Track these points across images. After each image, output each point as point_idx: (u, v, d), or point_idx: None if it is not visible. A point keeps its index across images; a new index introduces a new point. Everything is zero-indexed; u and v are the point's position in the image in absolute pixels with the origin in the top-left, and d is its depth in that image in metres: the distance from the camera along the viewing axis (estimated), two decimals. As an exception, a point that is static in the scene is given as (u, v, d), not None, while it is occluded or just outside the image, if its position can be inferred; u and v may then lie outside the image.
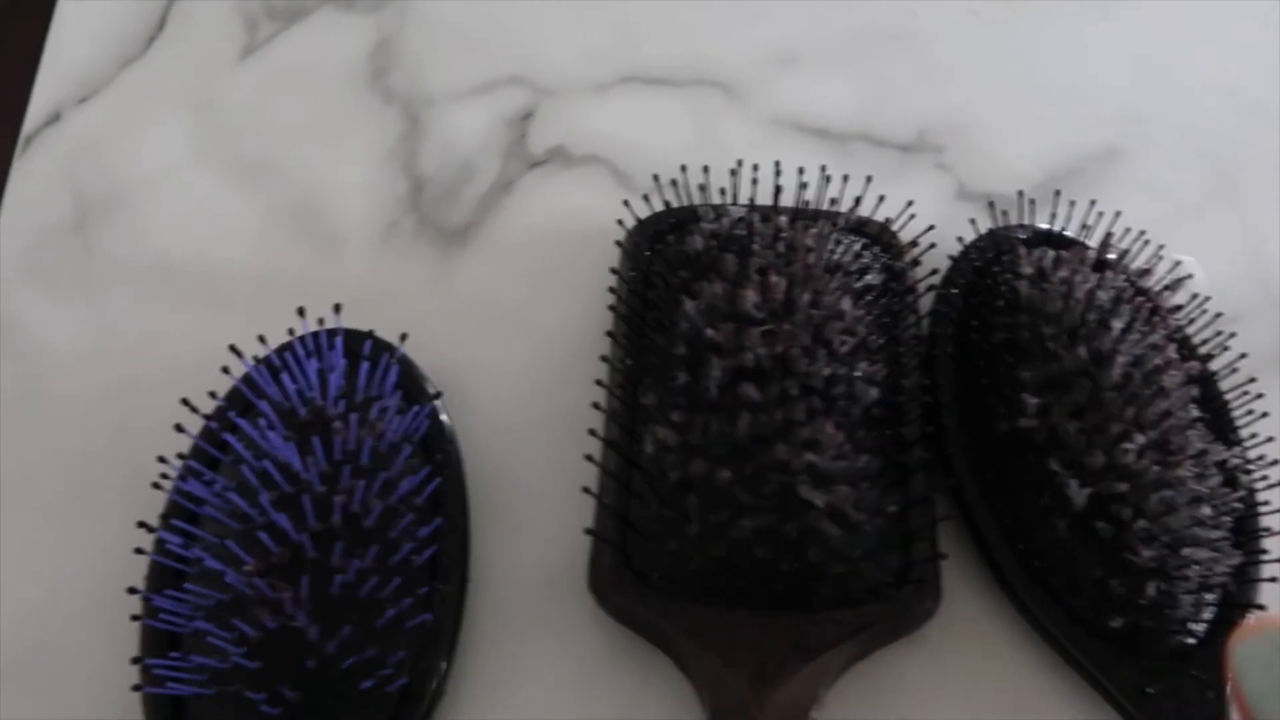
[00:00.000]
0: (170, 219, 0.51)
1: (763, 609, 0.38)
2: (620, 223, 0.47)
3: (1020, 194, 0.47)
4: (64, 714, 0.40)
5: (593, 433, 0.40)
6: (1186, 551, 0.38)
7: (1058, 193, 0.47)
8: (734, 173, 0.45)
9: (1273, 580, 0.40)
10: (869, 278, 0.44)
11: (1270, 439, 0.42)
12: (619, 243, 0.47)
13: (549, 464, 0.43)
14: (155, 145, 0.53)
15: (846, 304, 0.41)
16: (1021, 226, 0.46)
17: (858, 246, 0.45)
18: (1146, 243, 0.44)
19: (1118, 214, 0.45)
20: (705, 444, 0.39)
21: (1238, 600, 0.39)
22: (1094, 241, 0.45)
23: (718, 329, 0.40)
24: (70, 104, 0.55)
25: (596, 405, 0.41)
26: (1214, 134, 0.54)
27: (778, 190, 0.44)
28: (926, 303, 0.46)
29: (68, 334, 0.48)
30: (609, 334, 0.44)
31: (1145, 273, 0.43)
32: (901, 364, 0.43)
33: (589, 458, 0.40)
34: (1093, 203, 0.45)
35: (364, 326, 0.44)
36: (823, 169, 0.45)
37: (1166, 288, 0.43)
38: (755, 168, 0.45)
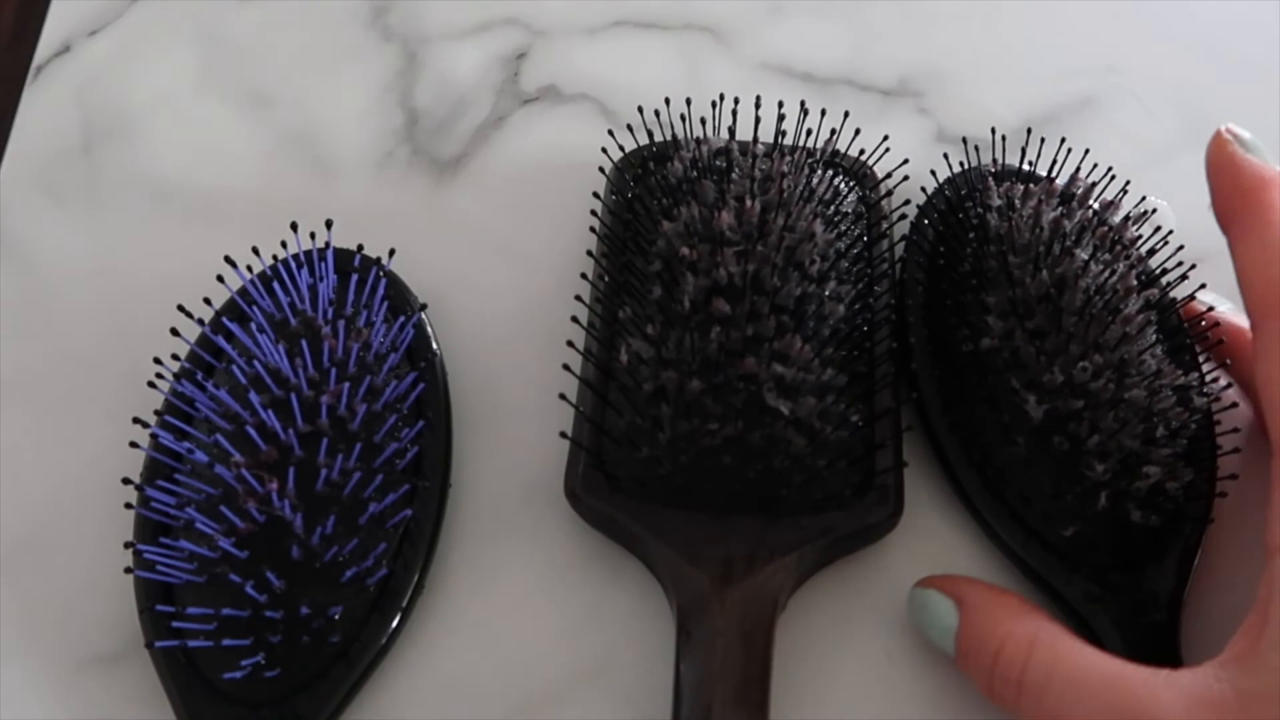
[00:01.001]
0: (173, 144, 0.53)
1: (728, 512, 0.40)
2: (605, 151, 0.48)
3: (993, 130, 0.48)
4: (62, 596, 0.42)
5: (571, 344, 0.42)
6: (1139, 468, 0.40)
7: (1029, 131, 0.48)
8: (715, 105, 0.46)
9: (1222, 495, 0.41)
10: (843, 207, 0.46)
11: (1226, 363, 0.43)
12: (602, 169, 0.48)
13: (529, 376, 0.44)
14: (160, 75, 0.55)
15: (819, 228, 0.43)
16: (994, 163, 0.47)
17: (833, 177, 0.46)
18: (1113, 180, 0.46)
19: (1086, 152, 0.46)
20: (678, 356, 0.40)
21: (1188, 514, 0.41)
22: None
23: (693, 248, 0.42)
24: (80, 36, 0.56)
25: (575, 319, 0.43)
26: (1188, 83, 0.55)
27: (757, 123, 0.46)
28: (901, 235, 0.48)
29: (73, 249, 0.50)
30: (589, 253, 0.46)
31: (1110, 205, 0.45)
32: (873, 288, 0.45)
33: (566, 367, 0.41)
34: (1062, 140, 0.47)
35: (355, 247, 0.46)
36: (801, 104, 0.47)
37: (1128, 218, 0.44)
38: (736, 101, 0.46)
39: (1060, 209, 0.44)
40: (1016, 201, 0.44)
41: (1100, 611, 0.40)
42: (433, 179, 0.52)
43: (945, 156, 0.49)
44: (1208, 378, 0.43)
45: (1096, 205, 0.45)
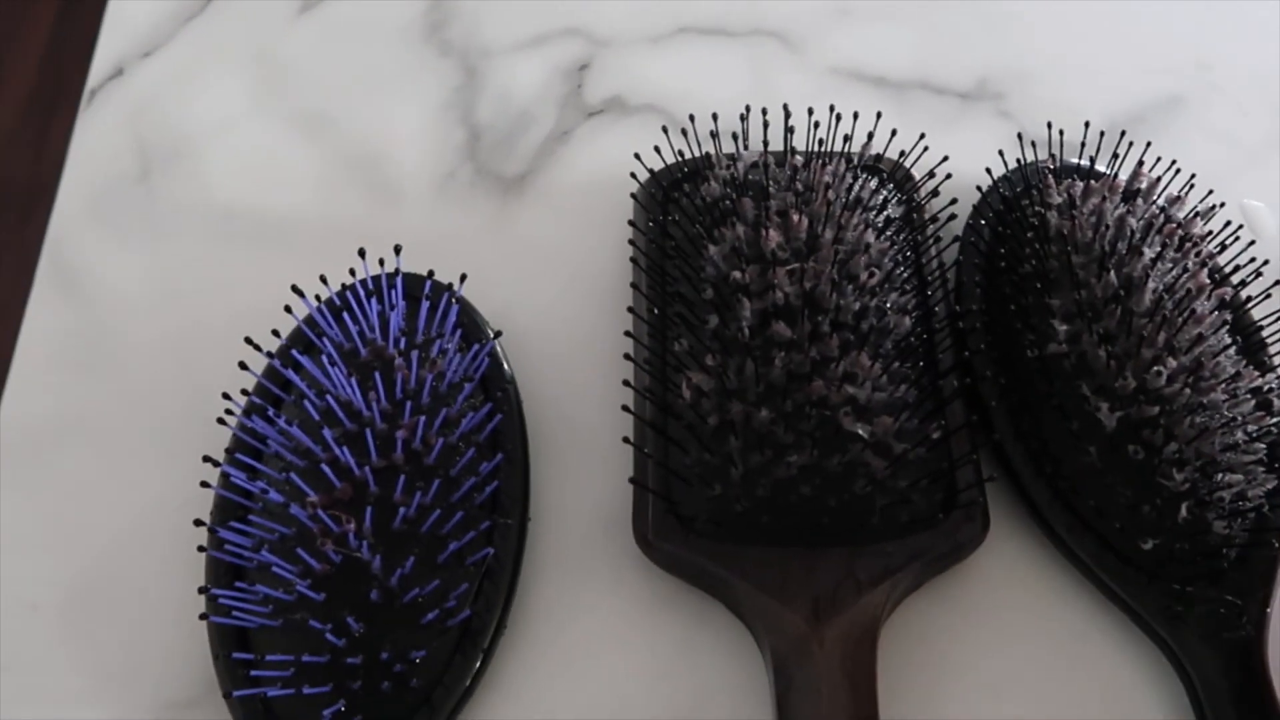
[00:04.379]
0: (231, 169, 0.52)
1: (813, 545, 0.38)
2: (633, 175, 0.47)
3: (1049, 126, 0.47)
4: (134, 642, 0.41)
5: (627, 383, 0.40)
6: (1218, 475, 0.38)
7: (1102, 134, 0.46)
8: (744, 118, 0.45)
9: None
10: (888, 212, 0.44)
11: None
12: (633, 195, 0.47)
13: (604, 407, 0.42)
14: (216, 98, 0.54)
15: (870, 237, 0.41)
16: (1052, 158, 0.45)
17: (874, 183, 0.44)
18: (1194, 182, 0.44)
19: (1173, 162, 0.44)
20: (741, 386, 0.39)
21: (1272, 524, 0.39)
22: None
23: (744, 271, 0.40)
24: (133, 59, 0.55)
25: (628, 356, 0.41)
26: (1276, 79, 0.53)
27: (789, 132, 0.44)
28: (954, 237, 0.46)
29: (134, 280, 0.49)
30: (633, 285, 0.44)
31: (1177, 200, 0.43)
32: (930, 294, 0.43)
33: (626, 408, 0.40)
34: (1149, 145, 0.44)
35: (422, 271, 0.44)
36: (830, 108, 0.45)
37: (1196, 214, 0.42)
38: (765, 111, 0.45)
39: (1124, 206, 0.42)
40: (1077, 199, 0.42)
41: (1181, 627, 0.38)
42: (498, 198, 0.50)
43: (1000, 154, 0.46)
44: None
45: (1162, 201, 0.43)
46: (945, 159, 0.45)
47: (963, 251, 0.45)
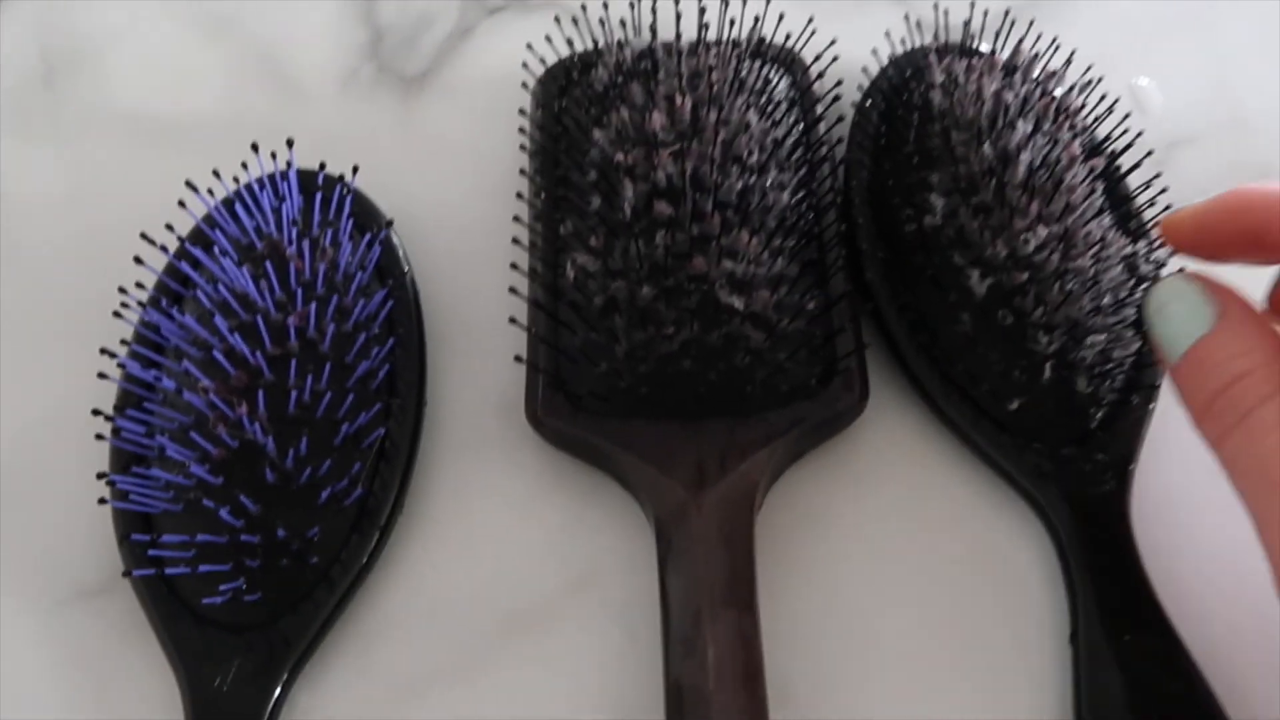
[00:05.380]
0: (135, 70, 0.52)
1: (695, 417, 0.39)
2: (525, 65, 0.47)
3: (935, 7, 0.47)
4: (40, 531, 0.42)
5: (515, 266, 0.41)
6: (1085, 339, 0.39)
7: (986, 13, 0.47)
8: (633, 7, 0.45)
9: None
10: (775, 95, 0.45)
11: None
12: (525, 85, 0.47)
13: (498, 292, 0.43)
14: (119, 1, 0.54)
15: (753, 118, 0.42)
16: (936, 39, 0.46)
17: (762, 67, 0.45)
18: (1071, 59, 0.44)
19: (1054, 39, 0.45)
20: (625, 265, 0.40)
21: (1138, 382, 0.40)
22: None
23: (628, 153, 0.41)
24: (36, -34, 0.55)
25: (516, 240, 0.42)
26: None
27: (678, 18, 0.44)
28: (847, 118, 0.47)
29: (38, 180, 0.49)
30: (522, 171, 0.44)
31: (1053, 76, 0.43)
32: (815, 173, 0.44)
33: (513, 290, 0.41)
34: (1031, 22, 0.45)
35: (326, 167, 0.45)
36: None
37: (1073, 88, 0.43)
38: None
39: (1004, 82, 0.43)
40: (960, 77, 0.43)
41: (1050, 485, 0.39)
42: (399, 95, 0.51)
43: (887, 35, 0.47)
44: (1154, 245, 0.42)
45: (1040, 75, 0.44)
46: (833, 42, 0.46)
47: (852, 132, 0.46)
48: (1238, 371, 0.31)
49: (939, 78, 0.43)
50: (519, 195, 0.43)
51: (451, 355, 0.44)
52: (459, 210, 0.47)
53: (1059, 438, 0.40)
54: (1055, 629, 0.39)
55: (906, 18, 0.47)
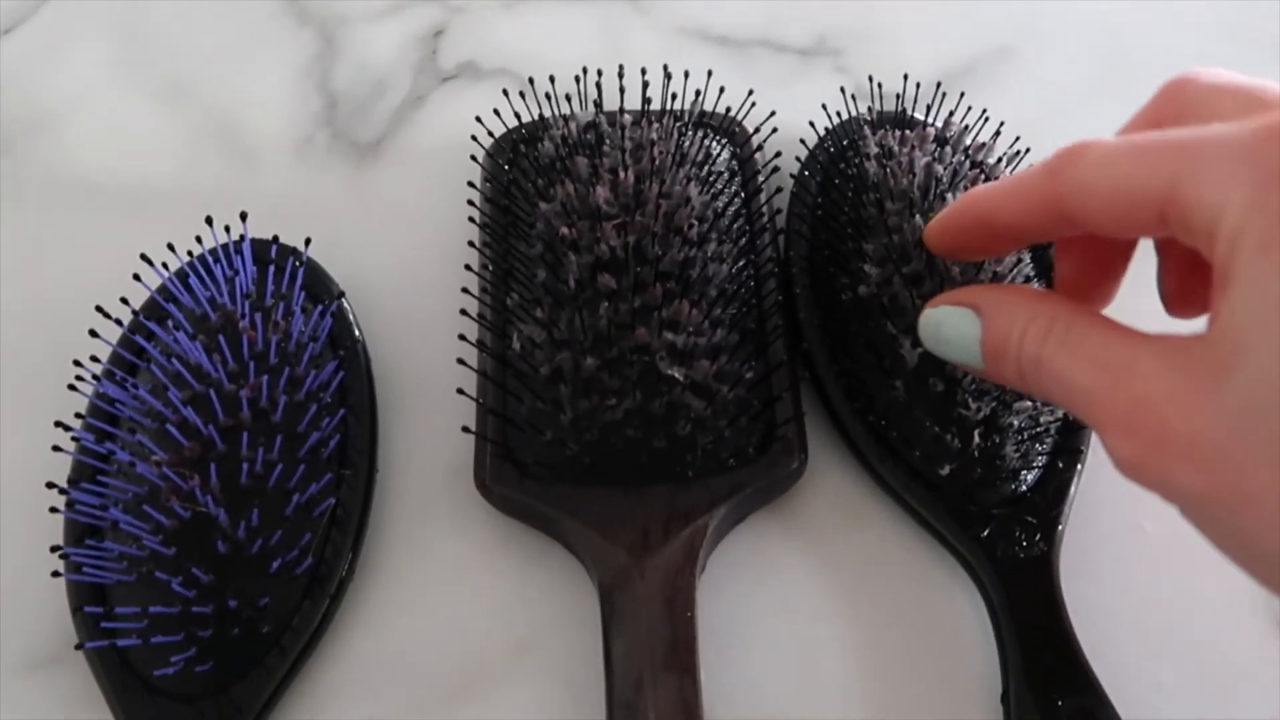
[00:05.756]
0: (92, 139, 0.53)
1: (639, 483, 0.40)
2: (474, 138, 0.48)
3: (870, 78, 0.49)
4: (-6, 602, 0.42)
5: (463, 337, 0.42)
6: (1014, 404, 0.41)
7: (918, 85, 0.48)
8: (578, 80, 0.46)
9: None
10: (717, 166, 0.47)
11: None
12: (473, 157, 0.48)
13: (448, 360, 0.44)
14: (77, 69, 0.55)
15: (694, 191, 0.43)
16: (870, 111, 0.48)
17: (703, 138, 0.47)
18: (1002, 129, 0.46)
19: (984, 111, 0.46)
20: (570, 336, 0.41)
21: (1065, 447, 0.42)
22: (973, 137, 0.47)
23: (572, 227, 0.42)
24: (-5, 36, 0.56)
25: (464, 312, 0.43)
26: (1105, 29, 0.55)
27: (622, 92, 0.46)
28: (786, 188, 0.48)
29: (-6, 250, 0.50)
30: (470, 244, 0.46)
31: (982, 147, 0.45)
32: (755, 243, 0.45)
33: (461, 361, 0.42)
34: (961, 95, 0.47)
35: (279, 237, 0.46)
36: (664, 68, 0.46)
37: (1001, 159, 0.44)
38: (600, 73, 0.46)
39: (935, 154, 0.44)
40: (894, 148, 0.45)
41: (980, 547, 0.41)
42: (353, 162, 0.52)
43: (824, 107, 0.48)
44: None
45: (972, 149, 0.45)
46: (773, 114, 0.47)
47: (791, 203, 0.48)
48: (1018, 336, 0.33)
49: (873, 149, 0.45)
50: (468, 267, 0.44)
51: (402, 422, 0.45)
52: (411, 276, 0.49)
53: (989, 500, 0.41)
54: (988, 688, 0.40)
55: (842, 90, 0.49)
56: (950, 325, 0.36)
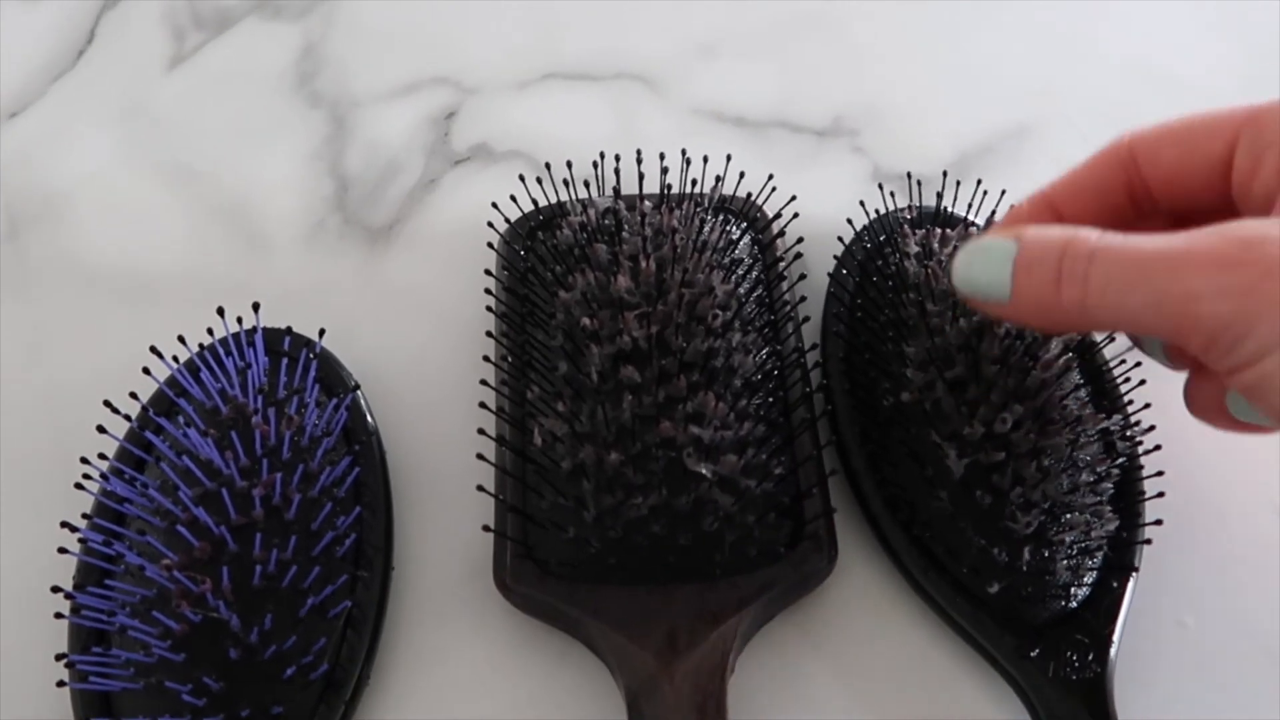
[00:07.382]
0: (100, 224, 0.52)
1: (665, 582, 0.39)
2: (490, 225, 0.48)
3: (909, 175, 0.48)
4: (-4, 712, 0.41)
5: (482, 431, 0.41)
6: (1064, 517, 0.39)
7: (944, 173, 0.48)
8: (596, 165, 0.46)
9: (1148, 543, 0.41)
10: (738, 252, 0.46)
11: (1148, 405, 0.42)
12: (490, 244, 0.48)
13: (465, 454, 0.43)
14: (85, 153, 0.54)
15: (716, 279, 0.42)
16: (910, 208, 0.47)
17: (724, 223, 0.46)
18: None
19: (1003, 193, 0.46)
20: (592, 430, 0.40)
21: (1116, 563, 0.40)
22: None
23: (594, 317, 0.41)
24: (1, 119, 0.55)
25: (484, 404, 0.42)
26: (1125, 106, 0.55)
27: (641, 178, 0.45)
28: (814, 273, 0.47)
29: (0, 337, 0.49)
30: (489, 334, 0.44)
31: None
32: (779, 331, 0.44)
33: (481, 456, 0.41)
34: (978, 182, 0.46)
35: (291, 324, 0.45)
36: (683, 152, 0.46)
37: None
38: (617, 158, 0.46)
39: None
40: (935, 247, 0.44)
41: (1030, 667, 0.39)
42: (366, 247, 0.51)
43: (861, 204, 0.48)
44: (1131, 420, 0.42)
45: None
46: (793, 198, 0.47)
47: (827, 301, 0.47)
48: (1057, 252, 0.33)
49: (914, 248, 0.44)
50: (486, 358, 0.43)
51: (419, 517, 0.44)
52: (426, 366, 0.48)
53: (1039, 617, 0.39)
54: (1032, 802, 0.38)
55: (881, 186, 0.48)
56: (989, 248, 0.35)
